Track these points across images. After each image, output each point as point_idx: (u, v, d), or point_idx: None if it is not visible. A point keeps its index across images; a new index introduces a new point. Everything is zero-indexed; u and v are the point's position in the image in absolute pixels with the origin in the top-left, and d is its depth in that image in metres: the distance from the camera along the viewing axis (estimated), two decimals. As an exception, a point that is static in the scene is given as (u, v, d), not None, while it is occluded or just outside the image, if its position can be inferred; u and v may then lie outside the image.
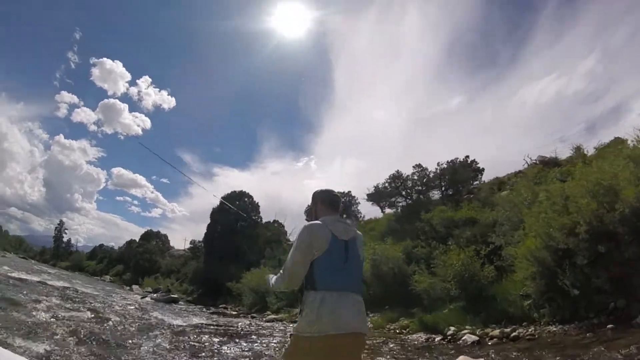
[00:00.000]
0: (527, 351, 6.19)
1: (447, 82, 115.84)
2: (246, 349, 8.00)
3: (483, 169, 20.35)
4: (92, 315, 10.32)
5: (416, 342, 8.57)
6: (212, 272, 29.14)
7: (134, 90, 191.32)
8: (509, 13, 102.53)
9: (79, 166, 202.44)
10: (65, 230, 78.82)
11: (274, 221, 36.92)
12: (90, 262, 65.14)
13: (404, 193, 18.61)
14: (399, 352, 7.62)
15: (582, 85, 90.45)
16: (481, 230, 12.54)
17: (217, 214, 33.38)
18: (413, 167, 19.01)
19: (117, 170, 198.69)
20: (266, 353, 7.75)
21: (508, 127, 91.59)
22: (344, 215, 2.55)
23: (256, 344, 8.69)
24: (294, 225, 32.69)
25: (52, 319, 8.54)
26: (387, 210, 24.75)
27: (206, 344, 8.29)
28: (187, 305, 22.96)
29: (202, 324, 12.47)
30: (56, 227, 78.64)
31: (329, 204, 2.09)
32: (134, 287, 34.52)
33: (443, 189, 18.08)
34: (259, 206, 36.04)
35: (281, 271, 1.95)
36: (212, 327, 11.66)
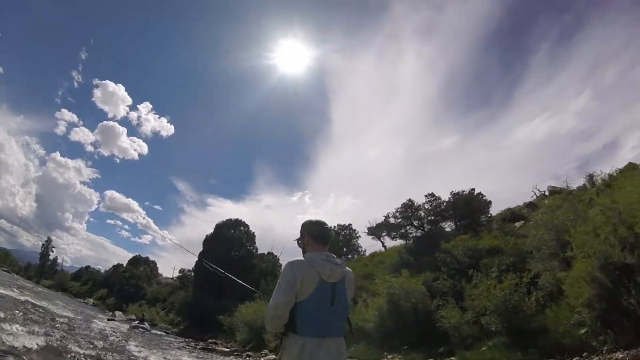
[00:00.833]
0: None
1: (441, 122, 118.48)
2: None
3: (490, 201, 19.57)
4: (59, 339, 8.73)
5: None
6: (201, 304, 27.22)
7: (134, 114, 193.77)
8: (503, 55, 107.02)
9: (72, 185, 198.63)
10: (53, 248, 75.35)
11: (269, 253, 35.10)
12: (74, 282, 62.71)
13: (416, 223, 17.46)
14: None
15: (574, 123, 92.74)
16: (509, 260, 11.56)
17: (211, 242, 31.54)
18: (425, 196, 18.05)
19: (110, 193, 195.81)
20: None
21: (501, 166, 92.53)
22: (340, 251, 2.46)
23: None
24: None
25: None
26: (393, 243, 23.77)
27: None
28: (174, 338, 20.85)
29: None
30: (43, 244, 75.26)
31: (319, 237, 1.97)
32: (117, 313, 31.99)
33: (459, 218, 16.97)
34: (254, 236, 33.83)
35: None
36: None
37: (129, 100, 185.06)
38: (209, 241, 31.47)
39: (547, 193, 19.89)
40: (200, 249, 31.68)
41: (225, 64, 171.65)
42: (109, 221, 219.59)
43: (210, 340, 20.61)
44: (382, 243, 24.49)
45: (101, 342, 10.80)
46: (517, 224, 17.30)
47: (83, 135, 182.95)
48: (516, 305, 8.40)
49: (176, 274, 45.05)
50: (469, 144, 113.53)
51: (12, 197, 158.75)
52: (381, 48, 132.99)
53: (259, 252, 33.56)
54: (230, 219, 33.47)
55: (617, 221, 7.13)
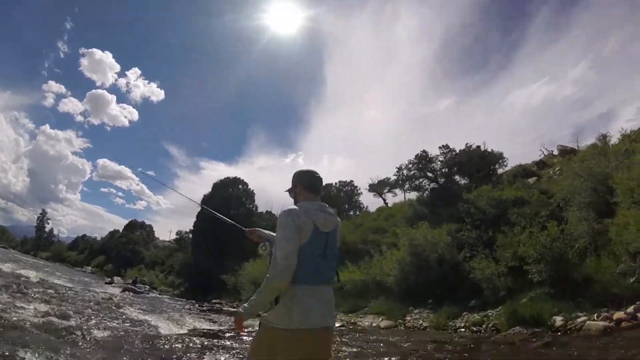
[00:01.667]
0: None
1: (438, 84, 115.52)
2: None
3: (504, 155, 18.67)
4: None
5: (533, 340, 6.35)
6: (201, 264, 26.57)
7: (122, 81, 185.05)
8: (503, 18, 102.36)
9: (64, 157, 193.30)
10: (48, 220, 74.86)
11: (267, 212, 34.39)
12: (71, 252, 62.50)
13: (430, 175, 16.47)
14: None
15: (571, 91, 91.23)
16: (536, 210, 10.91)
17: (209, 201, 30.47)
18: (439, 147, 16.97)
19: (102, 161, 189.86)
20: None
21: (497, 129, 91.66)
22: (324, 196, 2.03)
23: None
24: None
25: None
26: (394, 199, 23.15)
27: None
28: (174, 301, 20.27)
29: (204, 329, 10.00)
30: (38, 217, 74.67)
31: (310, 187, 1.94)
32: (115, 278, 31.48)
33: (474, 170, 16.01)
34: (254, 194, 32.88)
35: (267, 275, 1.74)
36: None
37: (117, 67, 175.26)
38: (207, 201, 30.27)
39: (555, 152, 19.46)
40: (198, 211, 30.89)
41: (216, 26, 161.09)
42: (102, 189, 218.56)
43: (214, 301, 20.14)
44: (384, 200, 24.25)
45: (97, 307, 9.94)
46: (530, 180, 16.59)
47: (72, 105, 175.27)
48: (562, 253, 7.73)
49: (173, 236, 44.46)
50: (465, 106, 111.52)
51: (5, 174, 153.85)
52: (377, 8, 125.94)
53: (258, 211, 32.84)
54: (228, 177, 32.30)
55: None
